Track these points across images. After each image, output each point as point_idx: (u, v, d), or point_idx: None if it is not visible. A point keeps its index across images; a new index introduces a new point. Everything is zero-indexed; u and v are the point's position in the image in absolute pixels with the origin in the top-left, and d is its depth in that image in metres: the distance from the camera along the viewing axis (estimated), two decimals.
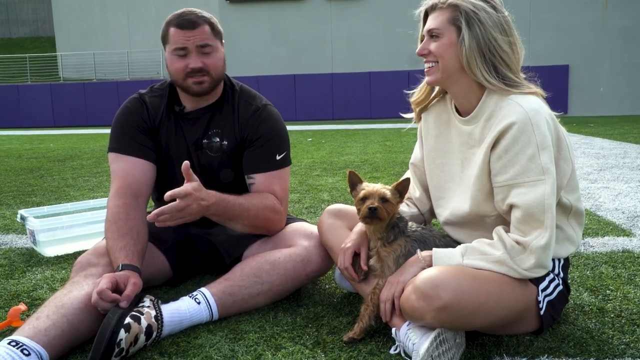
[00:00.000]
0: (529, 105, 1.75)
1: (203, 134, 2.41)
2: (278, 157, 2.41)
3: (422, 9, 1.93)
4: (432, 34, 1.86)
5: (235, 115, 2.42)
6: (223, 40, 2.41)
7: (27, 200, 5.04)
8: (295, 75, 22.16)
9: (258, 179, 2.39)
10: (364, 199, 1.92)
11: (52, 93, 23.88)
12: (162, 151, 2.42)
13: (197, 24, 2.25)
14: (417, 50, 1.92)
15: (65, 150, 10.77)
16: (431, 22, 1.86)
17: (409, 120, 2.20)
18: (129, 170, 2.31)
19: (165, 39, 2.31)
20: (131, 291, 1.91)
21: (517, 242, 1.74)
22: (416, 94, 2.10)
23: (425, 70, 1.93)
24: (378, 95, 21.28)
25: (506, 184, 1.77)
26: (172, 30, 2.27)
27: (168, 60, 2.32)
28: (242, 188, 2.44)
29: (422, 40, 1.95)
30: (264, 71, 22.37)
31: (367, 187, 1.95)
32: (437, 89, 2.07)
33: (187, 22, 2.25)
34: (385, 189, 1.92)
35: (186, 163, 2.02)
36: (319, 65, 22.55)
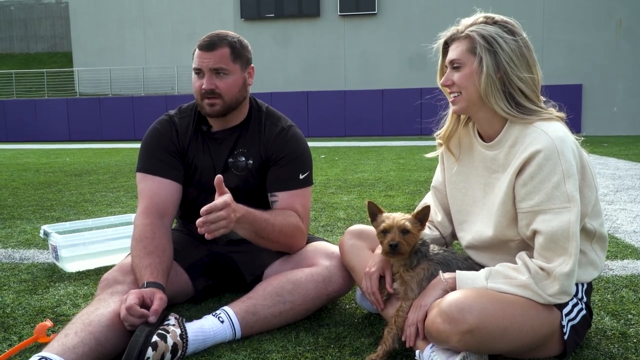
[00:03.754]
0: (554, 132, 1.77)
1: (229, 154, 2.45)
2: (301, 177, 2.44)
3: (441, 40, 1.97)
4: (454, 65, 1.89)
5: (262, 135, 2.47)
6: (252, 65, 2.45)
7: (46, 215, 5.10)
8: (309, 92, 22.29)
9: (281, 197, 2.42)
10: (385, 231, 1.94)
11: (68, 108, 24.20)
12: (190, 171, 2.47)
13: (215, 46, 2.30)
14: (440, 82, 1.95)
15: (81, 164, 10.89)
16: (452, 53, 1.90)
17: (430, 141, 2.21)
18: (156, 190, 2.36)
19: (192, 59, 2.40)
20: (159, 305, 1.94)
21: (541, 268, 1.74)
22: (444, 129, 2.10)
23: (451, 100, 1.96)
24: (390, 113, 21.33)
25: (531, 210, 1.78)
26: (196, 51, 2.35)
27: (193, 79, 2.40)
28: (265, 207, 2.46)
29: (442, 71, 1.98)
30: (278, 87, 22.51)
31: (387, 218, 1.95)
32: (463, 117, 2.08)
33: (207, 44, 2.31)
34: (405, 220, 1.92)
35: (219, 177, 2.05)
36: (332, 82, 22.66)
